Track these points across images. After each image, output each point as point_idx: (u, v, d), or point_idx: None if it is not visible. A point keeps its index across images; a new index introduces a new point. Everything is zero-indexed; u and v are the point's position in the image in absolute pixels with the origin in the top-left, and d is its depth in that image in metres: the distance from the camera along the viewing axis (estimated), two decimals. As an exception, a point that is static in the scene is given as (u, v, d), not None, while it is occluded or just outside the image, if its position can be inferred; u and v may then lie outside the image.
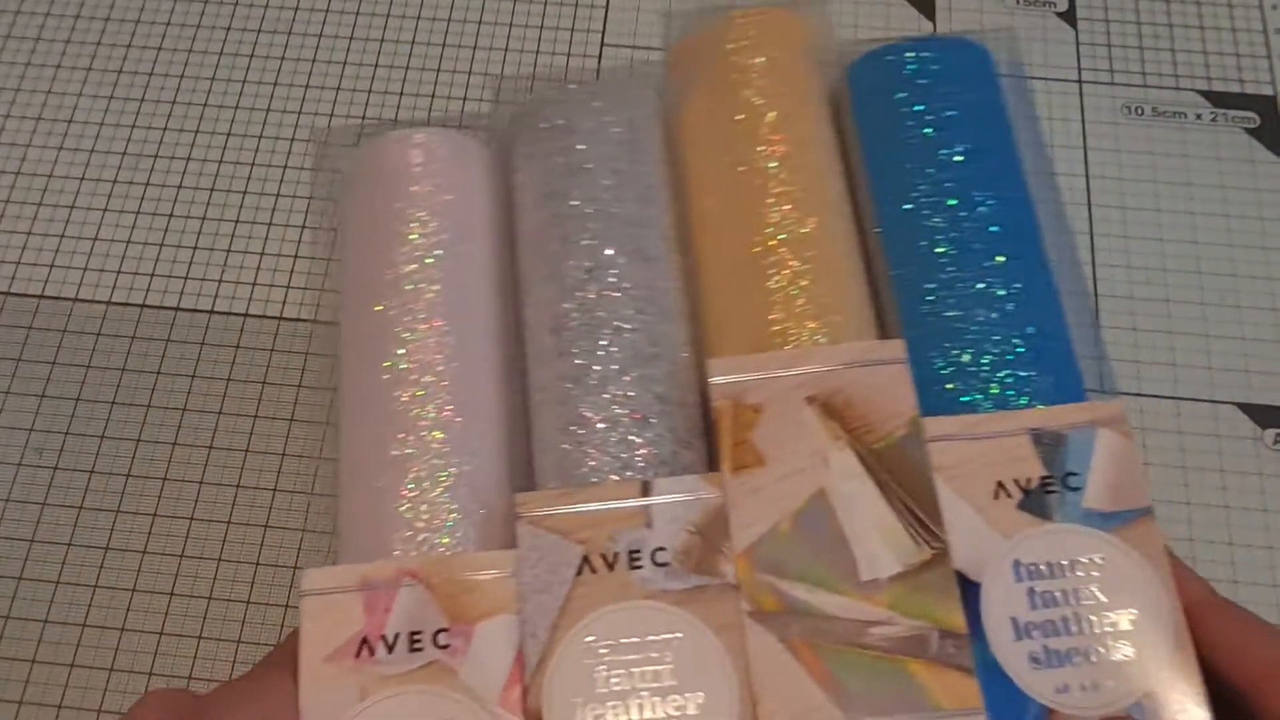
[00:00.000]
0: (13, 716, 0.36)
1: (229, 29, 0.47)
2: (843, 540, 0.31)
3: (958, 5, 0.47)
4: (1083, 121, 0.45)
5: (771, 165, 0.36)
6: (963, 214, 0.35)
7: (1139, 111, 0.45)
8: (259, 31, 0.47)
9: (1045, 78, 0.46)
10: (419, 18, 0.48)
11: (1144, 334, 0.41)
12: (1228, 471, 0.39)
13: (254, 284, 0.42)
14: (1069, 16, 0.47)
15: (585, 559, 0.30)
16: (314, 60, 0.47)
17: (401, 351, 0.34)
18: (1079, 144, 0.45)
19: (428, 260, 0.35)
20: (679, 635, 0.30)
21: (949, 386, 0.34)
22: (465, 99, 0.46)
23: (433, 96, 0.46)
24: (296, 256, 0.43)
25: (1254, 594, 0.37)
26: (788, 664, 0.29)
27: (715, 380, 0.32)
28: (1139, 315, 0.42)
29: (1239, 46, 0.47)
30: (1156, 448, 0.39)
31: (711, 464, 0.33)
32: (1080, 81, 0.46)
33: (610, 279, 0.35)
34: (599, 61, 0.47)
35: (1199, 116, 0.45)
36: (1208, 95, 0.46)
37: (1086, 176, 0.44)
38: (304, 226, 0.43)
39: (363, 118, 0.45)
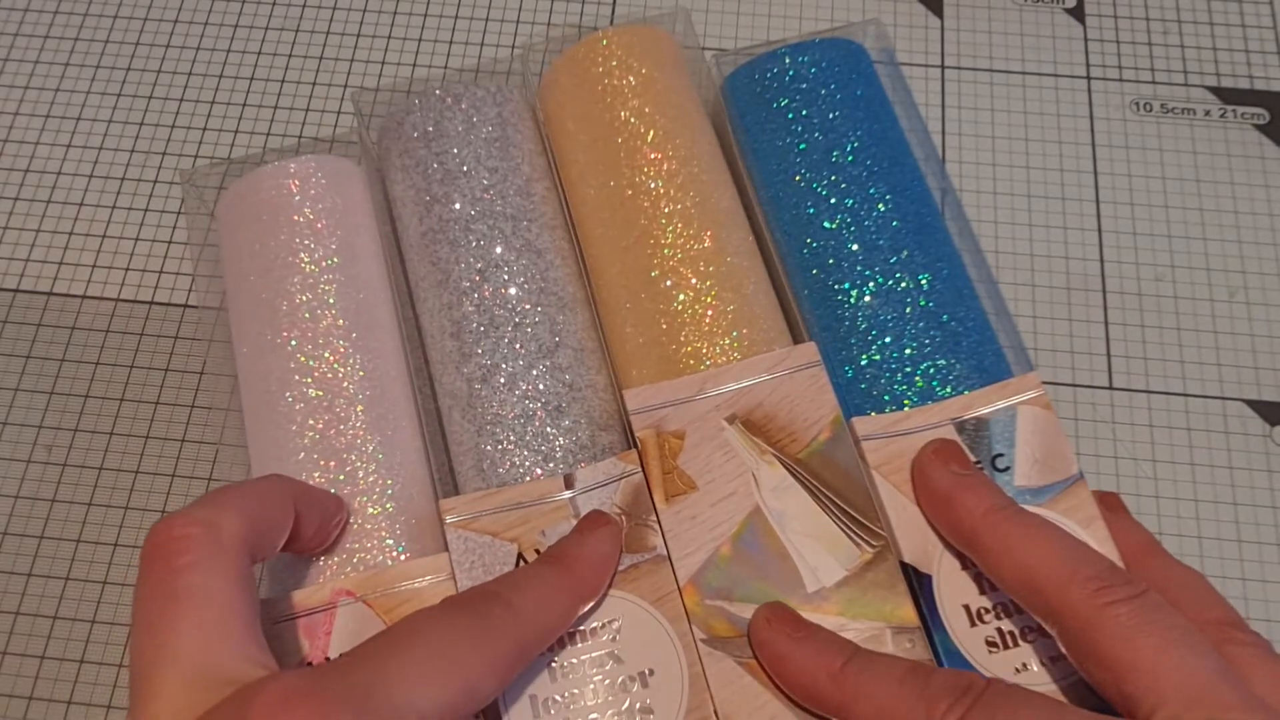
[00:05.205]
0: (23, 711, 0.36)
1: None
2: (784, 555, 0.31)
3: (965, 1, 0.47)
4: (1091, 118, 0.45)
5: (658, 184, 0.35)
6: (862, 212, 0.35)
7: (1148, 108, 0.45)
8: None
9: (1054, 74, 0.46)
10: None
11: (1152, 331, 0.41)
12: (1237, 468, 0.39)
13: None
14: (1077, 13, 0.47)
15: (520, 556, 0.31)
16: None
17: (309, 380, 0.33)
18: (1087, 141, 0.45)
19: (322, 286, 0.35)
20: (621, 615, 0.30)
21: (872, 385, 0.33)
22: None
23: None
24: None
25: (1263, 591, 0.37)
26: (749, 686, 0.29)
27: (633, 411, 0.32)
28: (1147, 312, 0.41)
29: (1249, 43, 0.46)
30: (1165, 445, 0.39)
31: (630, 441, 0.33)
32: (1089, 78, 0.46)
33: (503, 277, 0.35)
34: (445, 62, 0.47)
35: (1208, 113, 0.45)
36: (1217, 91, 0.46)
37: (1095, 173, 0.44)
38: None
39: (211, 157, 0.45)
